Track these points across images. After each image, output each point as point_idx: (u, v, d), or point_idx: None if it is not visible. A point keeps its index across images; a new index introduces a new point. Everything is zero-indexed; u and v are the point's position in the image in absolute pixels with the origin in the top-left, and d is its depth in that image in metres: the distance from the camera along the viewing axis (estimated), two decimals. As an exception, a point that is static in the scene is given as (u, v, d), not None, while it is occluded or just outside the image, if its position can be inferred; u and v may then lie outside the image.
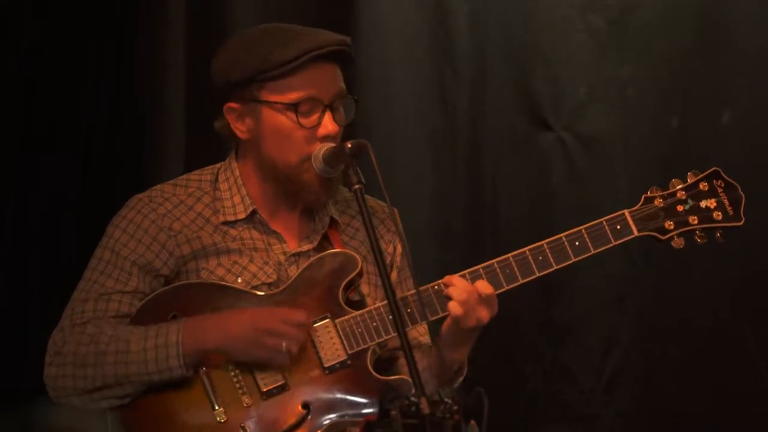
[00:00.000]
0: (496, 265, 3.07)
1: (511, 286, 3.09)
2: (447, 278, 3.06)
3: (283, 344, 2.96)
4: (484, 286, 3.03)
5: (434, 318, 3.08)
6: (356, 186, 2.87)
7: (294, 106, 3.04)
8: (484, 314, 3.02)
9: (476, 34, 4.49)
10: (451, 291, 3.03)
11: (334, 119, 3.07)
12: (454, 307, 3.01)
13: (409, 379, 2.70)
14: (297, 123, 3.04)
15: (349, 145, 2.95)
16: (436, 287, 3.07)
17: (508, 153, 4.52)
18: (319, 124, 3.06)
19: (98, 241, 3.17)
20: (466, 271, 3.08)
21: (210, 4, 4.28)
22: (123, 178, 4.11)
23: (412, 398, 2.51)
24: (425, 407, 2.51)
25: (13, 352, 4.00)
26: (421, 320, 3.09)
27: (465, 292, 3.01)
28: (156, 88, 4.21)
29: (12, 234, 4.04)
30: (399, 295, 3.08)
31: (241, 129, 3.12)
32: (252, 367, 3.01)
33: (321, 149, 3.05)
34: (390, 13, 4.46)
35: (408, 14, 4.48)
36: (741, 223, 3.14)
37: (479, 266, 3.08)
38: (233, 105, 3.10)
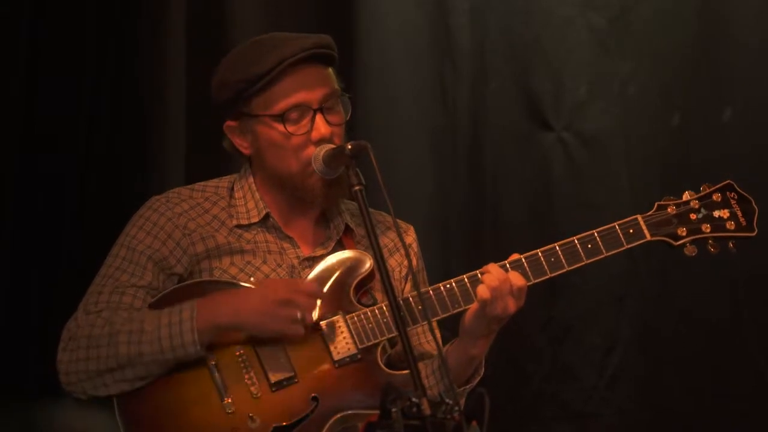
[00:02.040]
0: (508, 265, 3.08)
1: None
2: (485, 267, 3.07)
3: (298, 314, 2.96)
4: (516, 278, 3.04)
5: (445, 315, 3.08)
6: (356, 187, 2.87)
7: (280, 117, 3.06)
8: (511, 303, 3.03)
9: (477, 32, 4.49)
10: (485, 277, 3.04)
11: (328, 120, 3.07)
12: (482, 291, 3.02)
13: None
14: (287, 132, 3.05)
15: (350, 146, 2.94)
16: (473, 277, 3.07)
17: (508, 151, 4.52)
18: (311, 128, 3.06)
19: (99, 241, 3.19)
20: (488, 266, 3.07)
21: (210, 4, 4.28)
22: (123, 178, 4.10)
23: (414, 399, 2.51)
24: (426, 408, 2.52)
25: (15, 352, 3.99)
26: (431, 317, 3.07)
27: (498, 279, 3.02)
28: (156, 88, 4.21)
29: (12, 234, 4.04)
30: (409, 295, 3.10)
31: (243, 145, 3.15)
32: (261, 358, 3.00)
33: (320, 151, 3.05)
34: (390, 9, 4.45)
35: (408, 11, 4.48)
36: (754, 234, 3.16)
37: (493, 264, 3.08)
38: (231, 123, 3.14)
